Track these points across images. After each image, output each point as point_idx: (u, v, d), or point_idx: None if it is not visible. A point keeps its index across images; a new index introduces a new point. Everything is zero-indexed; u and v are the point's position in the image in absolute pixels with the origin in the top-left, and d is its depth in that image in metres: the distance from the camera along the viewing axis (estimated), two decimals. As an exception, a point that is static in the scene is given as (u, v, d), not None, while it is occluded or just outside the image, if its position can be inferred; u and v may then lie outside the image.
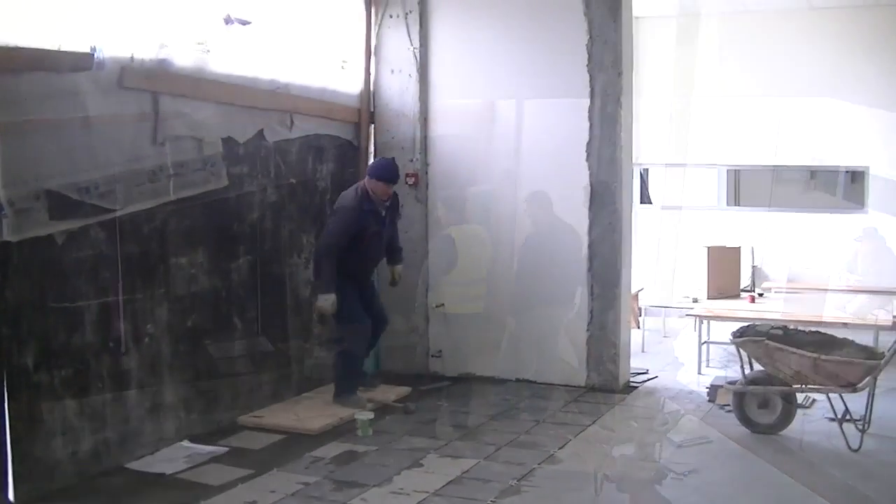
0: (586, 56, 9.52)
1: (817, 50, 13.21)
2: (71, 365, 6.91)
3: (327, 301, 8.61)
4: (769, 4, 13.08)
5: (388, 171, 8.81)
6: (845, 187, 14.15)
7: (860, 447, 7.70)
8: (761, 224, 13.67)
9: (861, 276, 11.96)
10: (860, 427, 7.87)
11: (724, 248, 11.71)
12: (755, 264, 13.45)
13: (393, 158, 9.18)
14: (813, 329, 8.45)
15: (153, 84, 7.57)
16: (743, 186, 14.83)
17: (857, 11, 12.95)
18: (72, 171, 6.87)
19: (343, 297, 8.68)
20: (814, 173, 14.61)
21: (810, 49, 13.23)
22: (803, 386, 7.94)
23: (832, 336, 8.19)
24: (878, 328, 10.00)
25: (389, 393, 9.33)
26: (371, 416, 8.37)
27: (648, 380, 10.24)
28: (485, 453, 7.71)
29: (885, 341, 10.52)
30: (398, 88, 10.27)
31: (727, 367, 10.70)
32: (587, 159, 9.58)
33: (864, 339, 9.94)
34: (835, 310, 10.57)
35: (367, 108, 10.34)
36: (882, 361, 7.65)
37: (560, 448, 7.85)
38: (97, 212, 7.07)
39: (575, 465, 7.47)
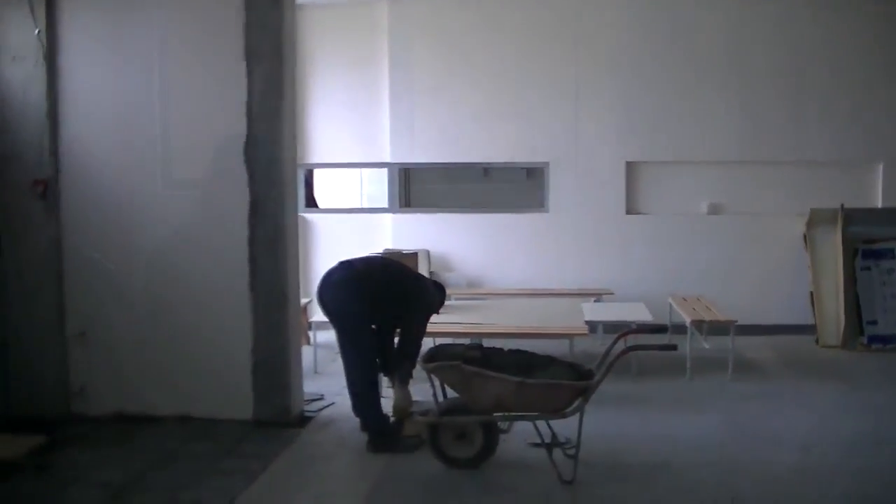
0: (242, 43, 8.24)
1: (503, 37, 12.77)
2: None
3: None
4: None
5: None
6: (524, 185, 13.74)
7: (574, 478, 6.78)
8: (436, 226, 12.91)
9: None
10: (569, 452, 6.99)
11: (400, 252, 10.74)
12: (432, 270, 12.65)
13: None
14: (513, 348, 7.40)
15: None
16: (414, 186, 14.08)
17: None
18: None
19: None
20: (487, 171, 14.06)
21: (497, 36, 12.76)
22: (505, 414, 6.97)
23: (534, 354, 7.23)
24: (572, 336, 9.31)
25: (16, 445, 7.43)
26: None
27: (325, 407, 9.07)
28: (129, 528, 6.20)
29: (582, 349, 9.97)
30: (21, 80, 8.51)
31: (412, 385, 9.66)
32: (245, 162, 8.31)
33: (560, 347, 9.36)
34: (526, 317, 9.78)
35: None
36: (593, 382, 6.77)
37: (225, 510, 6.50)
38: None
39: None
